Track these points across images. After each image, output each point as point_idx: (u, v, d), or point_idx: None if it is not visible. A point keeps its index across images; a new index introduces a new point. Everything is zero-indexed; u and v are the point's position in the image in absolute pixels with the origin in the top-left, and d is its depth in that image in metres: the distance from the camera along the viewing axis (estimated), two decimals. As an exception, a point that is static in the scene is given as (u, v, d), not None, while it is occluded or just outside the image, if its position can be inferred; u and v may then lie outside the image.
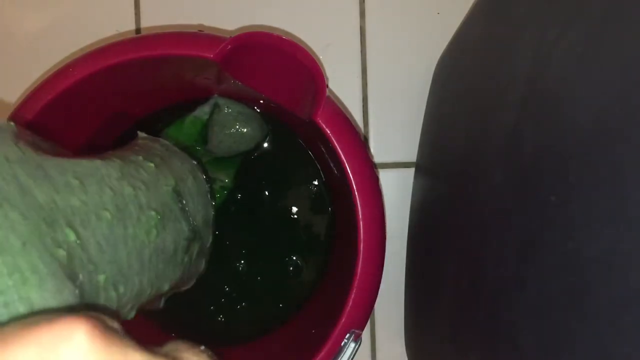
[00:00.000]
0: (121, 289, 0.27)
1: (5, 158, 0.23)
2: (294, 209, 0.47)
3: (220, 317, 0.46)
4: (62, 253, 0.23)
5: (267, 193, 0.47)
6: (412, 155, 0.48)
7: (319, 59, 0.48)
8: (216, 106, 0.44)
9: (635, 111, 0.18)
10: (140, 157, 0.33)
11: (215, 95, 0.44)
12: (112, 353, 0.15)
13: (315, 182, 0.46)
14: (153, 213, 0.30)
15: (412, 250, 0.45)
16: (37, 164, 0.25)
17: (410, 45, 0.48)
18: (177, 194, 0.34)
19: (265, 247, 0.47)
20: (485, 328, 0.28)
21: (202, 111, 0.45)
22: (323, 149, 0.39)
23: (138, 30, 0.49)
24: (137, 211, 0.29)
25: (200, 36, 0.36)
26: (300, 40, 0.48)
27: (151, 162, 0.34)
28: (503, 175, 0.27)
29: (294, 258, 0.46)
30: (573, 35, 0.22)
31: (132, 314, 0.28)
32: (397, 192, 0.48)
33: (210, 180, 0.42)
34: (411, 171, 0.47)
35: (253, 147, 0.46)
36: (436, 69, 0.46)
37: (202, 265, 0.38)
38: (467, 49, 0.39)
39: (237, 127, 0.44)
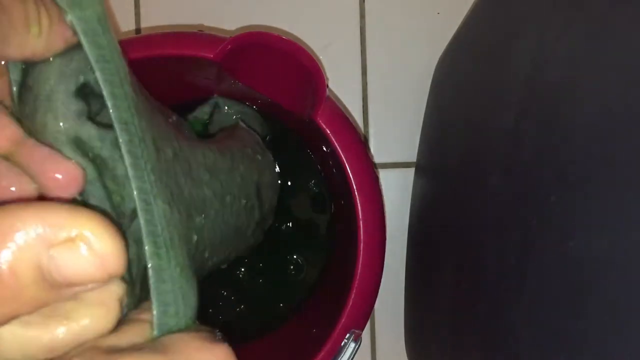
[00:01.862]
0: (214, 259, 0.30)
1: (173, 154, 0.25)
2: (294, 209, 0.46)
3: (220, 317, 0.46)
4: (194, 238, 0.26)
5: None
6: (412, 155, 0.48)
7: (319, 59, 0.48)
8: (216, 106, 0.44)
9: (635, 111, 0.18)
10: (249, 150, 0.38)
11: (215, 95, 0.44)
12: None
13: (315, 182, 0.46)
14: (244, 201, 0.35)
15: (412, 250, 0.45)
16: (185, 158, 0.27)
17: (410, 45, 0.48)
18: (257, 185, 0.38)
19: (265, 247, 0.47)
20: (485, 328, 0.28)
21: (202, 111, 0.45)
22: (323, 149, 0.38)
23: (138, 30, 0.49)
24: (234, 198, 0.33)
25: (200, 36, 0.36)
26: (300, 40, 0.48)
27: (247, 155, 0.37)
28: (503, 175, 0.27)
29: (294, 258, 0.46)
30: (573, 35, 0.22)
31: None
32: (397, 192, 0.48)
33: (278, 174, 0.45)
34: (411, 171, 0.47)
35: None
36: (436, 68, 0.46)
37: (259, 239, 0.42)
38: (467, 49, 0.39)
39: (237, 127, 0.44)
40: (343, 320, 0.35)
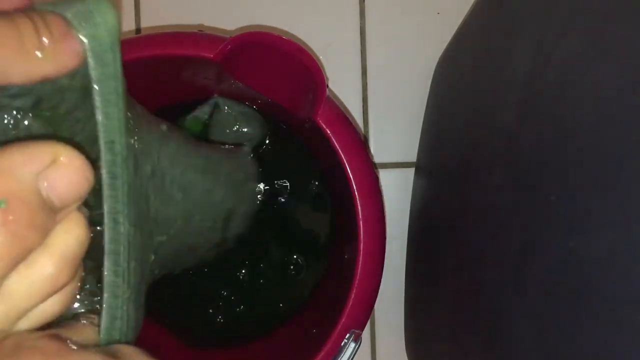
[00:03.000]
0: (159, 274, 0.29)
1: (152, 170, 0.26)
2: (294, 209, 0.46)
3: (220, 318, 0.46)
4: (152, 257, 0.26)
5: (267, 193, 0.46)
6: (412, 155, 0.48)
7: (319, 59, 0.48)
8: (216, 106, 0.44)
9: (635, 111, 0.18)
10: (240, 175, 0.38)
11: (215, 95, 0.44)
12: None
13: (315, 182, 0.46)
14: (209, 223, 0.35)
15: (412, 250, 0.45)
16: (162, 175, 0.28)
17: (410, 45, 0.48)
18: (230, 212, 0.37)
19: (265, 247, 0.47)
20: (485, 328, 0.28)
21: (202, 111, 0.44)
22: (323, 148, 0.38)
23: (138, 30, 0.49)
24: (201, 219, 0.33)
25: (200, 36, 0.36)
26: (300, 40, 0.48)
27: (235, 180, 0.37)
28: (503, 175, 0.27)
29: (294, 258, 0.46)
30: (573, 35, 0.22)
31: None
32: (397, 192, 0.48)
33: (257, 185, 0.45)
34: (411, 171, 0.47)
35: (253, 147, 0.46)
36: (436, 69, 0.46)
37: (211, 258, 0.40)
38: (467, 49, 0.39)
39: (237, 127, 0.44)
40: (343, 320, 0.35)
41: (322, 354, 0.34)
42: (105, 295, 0.20)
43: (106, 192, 0.20)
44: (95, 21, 0.18)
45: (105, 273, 0.20)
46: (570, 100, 0.22)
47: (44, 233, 0.17)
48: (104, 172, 0.19)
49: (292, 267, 0.46)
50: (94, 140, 0.19)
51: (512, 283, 0.25)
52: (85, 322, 0.20)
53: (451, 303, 0.34)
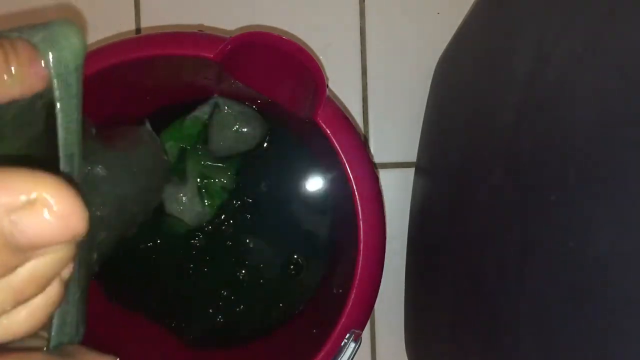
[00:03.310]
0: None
1: (97, 171, 0.28)
2: (294, 209, 0.46)
3: (220, 318, 0.46)
4: (94, 256, 0.27)
5: (267, 193, 0.46)
6: (412, 155, 0.48)
7: (319, 59, 0.48)
8: (216, 106, 0.44)
9: (635, 111, 0.18)
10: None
11: (215, 95, 0.44)
12: None
13: (316, 182, 0.46)
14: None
15: (412, 250, 0.45)
16: (101, 177, 0.29)
17: (410, 45, 0.48)
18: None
19: (265, 247, 0.47)
20: (485, 328, 0.28)
21: (202, 111, 0.44)
22: (323, 148, 0.39)
23: (138, 30, 0.49)
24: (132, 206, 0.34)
25: (200, 36, 0.36)
26: (300, 40, 0.48)
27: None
28: (503, 175, 0.27)
29: (294, 258, 0.46)
30: (573, 35, 0.22)
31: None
32: (397, 192, 0.48)
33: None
34: (411, 171, 0.47)
35: (253, 147, 0.46)
36: (436, 69, 0.46)
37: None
38: (467, 49, 0.39)
39: (237, 127, 0.44)
40: (343, 320, 0.35)
41: (322, 354, 0.34)
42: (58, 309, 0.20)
43: None
44: (61, 45, 0.18)
45: None
46: (570, 100, 0.22)
47: (3, 271, 0.14)
48: None
49: (292, 267, 0.46)
50: (37, 141, 0.20)
51: (512, 283, 0.25)
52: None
53: (451, 303, 0.34)
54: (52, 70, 0.18)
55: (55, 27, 0.18)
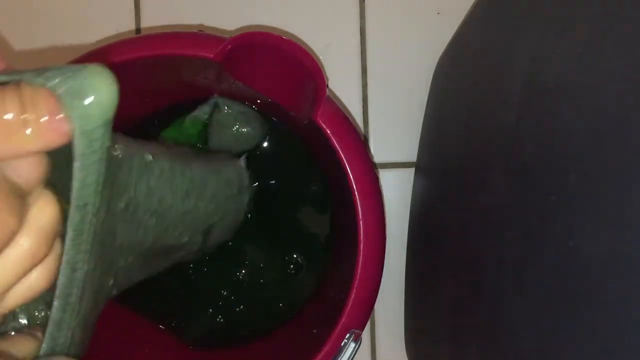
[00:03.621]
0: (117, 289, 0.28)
1: (125, 204, 0.26)
2: (294, 209, 0.46)
3: (220, 318, 0.46)
4: (111, 282, 0.26)
5: (267, 192, 0.46)
6: (412, 155, 0.48)
7: (319, 59, 0.48)
8: (216, 106, 0.44)
9: (635, 111, 0.18)
10: (234, 190, 0.38)
11: (215, 95, 0.44)
12: None
13: (316, 182, 0.46)
14: (186, 238, 0.34)
15: (412, 250, 0.45)
16: (135, 206, 0.27)
17: (410, 45, 0.48)
18: (210, 228, 0.37)
19: (265, 247, 0.47)
20: (485, 328, 0.28)
21: (202, 111, 0.44)
22: (323, 149, 0.39)
23: (138, 30, 0.49)
24: (174, 239, 0.33)
25: (200, 36, 0.36)
26: (300, 40, 0.48)
27: (223, 195, 0.37)
28: (503, 175, 0.27)
29: (294, 257, 0.46)
30: (573, 35, 0.22)
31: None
32: (397, 192, 0.48)
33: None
34: (411, 171, 0.47)
35: (253, 147, 0.46)
36: (436, 69, 0.46)
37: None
38: (467, 49, 0.39)
39: (237, 127, 0.44)
40: (343, 320, 0.35)
41: (322, 354, 0.34)
42: (50, 327, 0.20)
43: (68, 245, 0.19)
44: (88, 99, 0.17)
45: (54, 311, 0.20)
46: (570, 100, 0.22)
47: (20, 215, 0.17)
48: (69, 230, 0.19)
49: (292, 267, 0.46)
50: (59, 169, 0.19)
51: (512, 283, 0.25)
52: (27, 335, 0.21)
53: (451, 303, 0.34)
54: (76, 128, 0.17)
55: (84, 76, 0.17)
